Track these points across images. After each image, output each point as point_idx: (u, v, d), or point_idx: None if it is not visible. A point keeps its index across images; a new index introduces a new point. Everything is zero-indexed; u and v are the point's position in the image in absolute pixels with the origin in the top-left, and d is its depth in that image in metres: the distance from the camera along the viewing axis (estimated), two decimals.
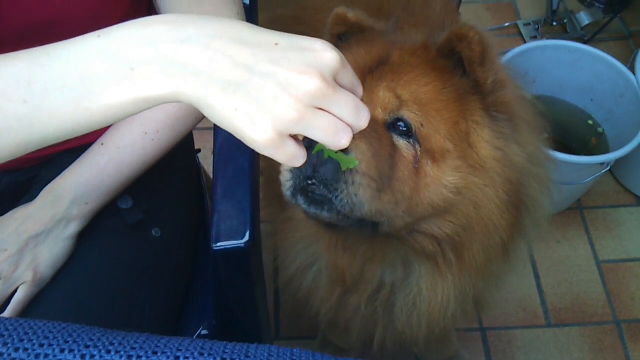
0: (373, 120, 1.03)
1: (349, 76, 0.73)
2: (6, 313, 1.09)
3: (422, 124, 1.07)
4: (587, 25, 2.83)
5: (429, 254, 1.18)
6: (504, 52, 2.32)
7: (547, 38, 2.76)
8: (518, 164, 1.13)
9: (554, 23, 2.90)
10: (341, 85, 0.72)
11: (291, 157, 0.73)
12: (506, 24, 2.92)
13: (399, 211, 1.07)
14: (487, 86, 1.09)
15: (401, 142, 1.07)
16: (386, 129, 1.07)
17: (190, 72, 0.68)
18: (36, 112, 0.72)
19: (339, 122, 0.71)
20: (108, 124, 0.75)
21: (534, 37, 2.82)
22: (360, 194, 1.01)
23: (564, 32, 2.87)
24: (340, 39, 1.21)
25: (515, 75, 1.26)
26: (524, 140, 1.16)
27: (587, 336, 2.12)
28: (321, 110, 0.70)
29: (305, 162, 0.80)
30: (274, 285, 2.06)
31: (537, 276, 2.24)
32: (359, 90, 0.76)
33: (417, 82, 1.09)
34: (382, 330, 1.36)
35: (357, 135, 0.99)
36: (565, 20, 2.88)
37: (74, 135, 0.76)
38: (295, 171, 1.00)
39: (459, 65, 1.11)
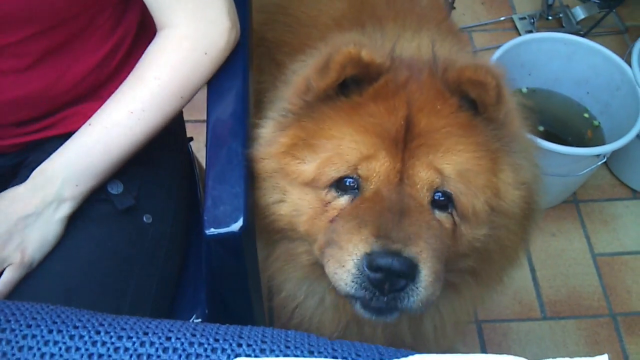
0: (420, 205, 1.03)
1: None
2: None
3: (461, 193, 1.05)
4: (582, 19, 2.82)
5: (451, 284, 1.19)
6: (499, 46, 2.31)
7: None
8: (531, 180, 1.13)
9: (550, 17, 2.89)
10: None
11: None
12: (502, 18, 2.91)
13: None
14: (500, 120, 1.08)
15: (442, 216, 1.06)
16: (430, 207, 1.06)
17: None
18: None
19: None
20: None
21: (530, 32, 2.81)
22: (431, 292, 1.01)
23: (559, 27, 2.86)
24: (345, 86, 1.10)
25: (505, 72, 1.24)
26: (524, 145, 1.16)
27: (583, 329, 2.11)
28: None
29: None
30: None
31: (532, 269, 2.23)
32: None
33: (454, 151, 1.05)
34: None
35: (416, 235, 0.99)
36: (561, 15, 2.87)
37: None
38: (365, 290, 1.01)
39: (466, 100, 1.08)
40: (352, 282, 1.00)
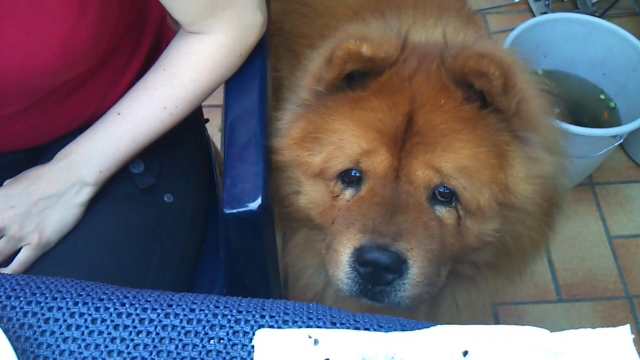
0: (418, 203, 1.03)
1: None
2: (7, 271, 1.08)
3: (464, 188, 1.03)
4: (597, 1, 2.79)
5: (467, 276, 1.20)
6: (514, 28, 2.30)
7: None
8: (552, 174, 1.10)
9: None
10: None
11: None
12: (516, 0, 2.89)
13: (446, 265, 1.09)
14: (511, 110, 1.04)
15: (444, 212, 1.05)
16: (429, 205, 1.05)
17: None
18: None
19: None
20: None
21: (544, 13, 2.78)
22: (419, 292, 1.03)
23: (574, 8, 2.83)
24: (351, 79, 1.09)
25: (518, 59, 1.21)
26: (545, 135, 1.11)
27: (598, 311, 2.11)
28: None
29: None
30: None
31: (548, 252, 2.21)
32: None
33: (452, 149, 1.03)
34: None
35: (408, 231, 0.99)
36: None
37: None
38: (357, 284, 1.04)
39: (474, 91, 1.05)
40: (347, 278, 1.03)
